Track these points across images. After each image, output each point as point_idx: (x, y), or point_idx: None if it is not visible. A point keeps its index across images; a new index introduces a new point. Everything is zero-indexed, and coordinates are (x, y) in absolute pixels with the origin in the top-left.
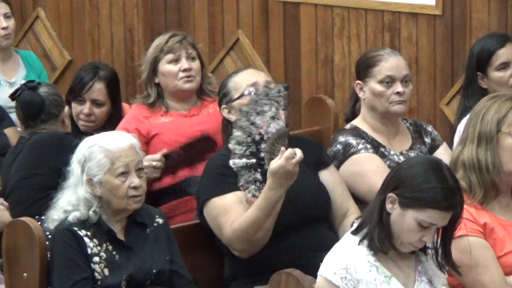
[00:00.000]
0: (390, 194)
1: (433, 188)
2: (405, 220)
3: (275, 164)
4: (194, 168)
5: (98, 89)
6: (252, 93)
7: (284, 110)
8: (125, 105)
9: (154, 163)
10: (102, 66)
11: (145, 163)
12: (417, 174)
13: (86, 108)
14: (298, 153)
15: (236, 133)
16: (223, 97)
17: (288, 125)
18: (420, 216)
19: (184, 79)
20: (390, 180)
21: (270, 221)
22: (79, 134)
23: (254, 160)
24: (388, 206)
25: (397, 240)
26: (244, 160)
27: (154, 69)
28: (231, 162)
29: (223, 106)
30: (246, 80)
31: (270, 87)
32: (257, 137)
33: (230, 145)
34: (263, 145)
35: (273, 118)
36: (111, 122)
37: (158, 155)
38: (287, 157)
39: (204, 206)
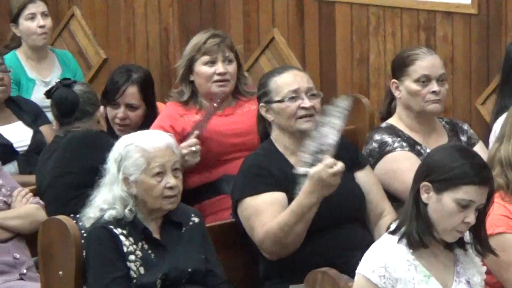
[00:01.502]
0: (423, 183)
1: (462, 164)
2: (443, 204)
3: (314, 169)
4: (229, 166)
5: (131, 93)
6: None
7: (343, 122)
8: (160, 105)
9: (193, 148)
10: (135, 68)
11: (184, 151)
12: (445, 157)
13: (120, 112)
14: (339, 164)
15: (308, 141)
16: (263, 95)
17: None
18: (457, 195)
19: (218, 83)
20: (420, 171)
21: (301, 226)
22: (115, 137)
23: None
24: (424, 196)
25: (440, 229)
26: (305, 169)
27: (189, 68)
28: (295, 169)
29: (262, 104)
30: (288, 85)
31: (341, 99)
32: (323, 148)
33: (301, 153)
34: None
35: (333, 128)
36: (146, 124)
37: (193, 139)
38: (326, 165)
39: (238, 206)
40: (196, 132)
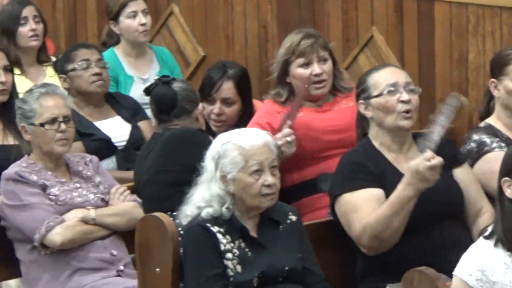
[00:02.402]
0: (505, 179)
1: None
2: None
3: (413, 161)
4: (327, 163)
5: (227, 88)
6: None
7: (449, 121)
8: (257, 102)
9: (288, 138)
10: (230, 64)
11: (279, 142)
12: None
13: (216, 108)
14: (436, 159)
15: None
16: (362, 92)
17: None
18: None
19: (316, 84)
20: (502, 168)
21: (399, 220)
22: (212, 134)
23: None
24: (508, 191)
25: None
26: None
27: (285, 70)
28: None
29: (361, 101)
30: (386, 79)
31: (449, 97)
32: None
33: (419, 149)
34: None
35: (439, 125)
36: (242, 120)
37: (288, 130)
38: (424, 158)
39: (335, 202)
40: (289, 122)
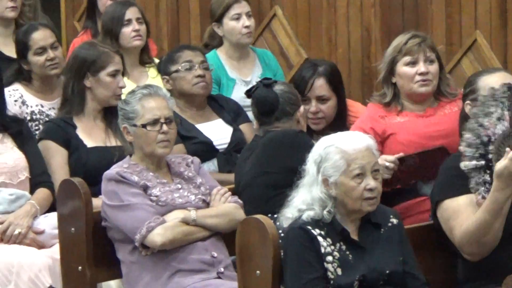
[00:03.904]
0: None
1: None
2: None
3: (499, 165)
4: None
5: (319, 85)
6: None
7: (509, 111)
8: (355, 103)
9: (387, 164)
10: (319, 62)
11: (379, 162)
12: None
13: (312, 106)
14: None
15: (466, 135)
16: (470, 93)
17: None
18: None
19: (420, 82)
20: None
21: (498, 223)
22: (312, 134)
23: (483, 162)
24: None
25: None
26: (473, 162)
27: (391, 69)
28: (462, 164)
29: (467, 102)
30: (497, 84)
31: (496, 88)
32: (485, 139)
33: (461, 147)
34: (490, 147)
35: (499, 119)
36: (339, 117)
37: (393, 157)
38: (509, 158)
39: (437, 207)
40: (401, 154)
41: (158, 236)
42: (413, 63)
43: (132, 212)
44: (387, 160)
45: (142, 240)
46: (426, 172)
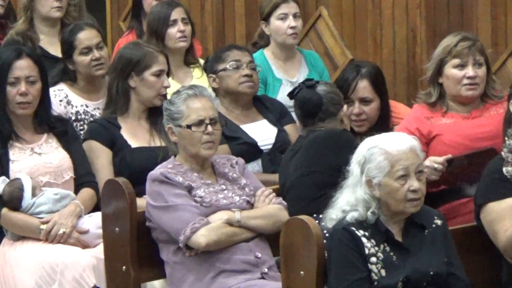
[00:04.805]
0: None
1: None
2: None
3: None
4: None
5: (363, 87)
6: None
7: None
8: (398, 104)
9: (436, 165)
10: (362, 63)
11: (427, 163)
12: None
13: (355, 108)
14: None
15: (508, 141)
16: None
17: None
18: None
19: (467, 86)
20: None
21: None
22: (355, 136)
23: None
24: None
25: None
26: None
27: (439, 70)
28: (504, 170)
29: None
30: None
31: None
32: None
33: (503, 153)
34: None
35: None
36: (382, 119)
37: (441, 159)
38: None
39: (480, 210)
40: (450, 156)
41: (203, 237)
42: (461, 66)
43: (176, 213)
44: (436, 162)
45: (186, 241)
46: (473, 173)
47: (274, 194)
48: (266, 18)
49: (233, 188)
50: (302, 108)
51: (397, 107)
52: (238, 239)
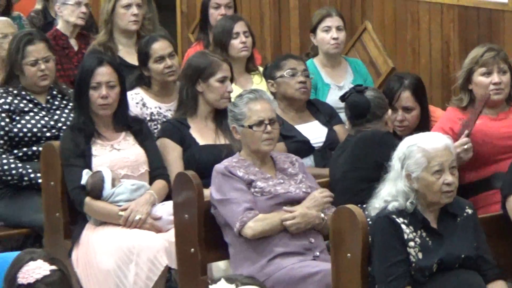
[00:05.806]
0: None
1: None
2: None
3: None
4: (501, 164)
5: (405, 97)
6: None
7: None
8: (434, 108)
9: (465, 146)
10: (406, 75)
11: (458, 150)
12: None
13: (399, 115)
14: None
15: None
16: None
17: None
18: None
19: (494, 91)
20: None
21: None
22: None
23: None
24: None
25: None
26: None
27: (468, 78)
28: None
29: None
30: None
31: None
32: None
33: None
34: None
35: None
36: (422, 123)
37: (465, 139)
38: None
39: (506, 200)
40: (466, 131)
41: (249, 229)
42: (488, 74)
43: (230, 207)
44: (462, 144)
45: (238, 232)
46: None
47: (329, 199)
48: (314, 30)
49: (290, 182)
50: (352, 110)
51: (435, 112)
52: (281, 228)
